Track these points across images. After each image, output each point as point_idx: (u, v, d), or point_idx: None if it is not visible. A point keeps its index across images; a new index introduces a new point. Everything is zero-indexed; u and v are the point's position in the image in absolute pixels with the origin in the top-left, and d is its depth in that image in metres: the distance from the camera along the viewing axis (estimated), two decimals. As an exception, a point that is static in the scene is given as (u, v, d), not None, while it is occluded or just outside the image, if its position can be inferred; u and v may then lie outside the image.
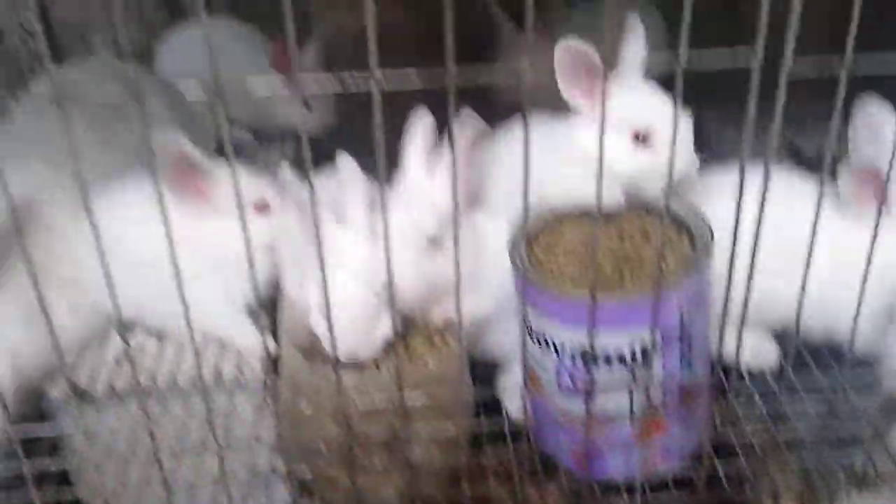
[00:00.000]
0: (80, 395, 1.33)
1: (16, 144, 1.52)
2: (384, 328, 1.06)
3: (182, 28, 2.11)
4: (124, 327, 1.41)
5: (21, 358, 1.24)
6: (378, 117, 0.76)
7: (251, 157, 1.98)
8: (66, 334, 1.35)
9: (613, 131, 1.07)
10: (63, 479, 1.31)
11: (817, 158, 1.43)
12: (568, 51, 1.12)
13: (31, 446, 1.20)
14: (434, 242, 1.11)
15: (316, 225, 0.84)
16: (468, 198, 1.21)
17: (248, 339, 1.30)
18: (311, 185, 0.82)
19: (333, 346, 0.93)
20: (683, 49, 0.77)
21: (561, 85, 1.16)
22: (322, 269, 0.86)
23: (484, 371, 1.28)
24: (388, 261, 0.88)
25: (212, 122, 1.80)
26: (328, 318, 0.90)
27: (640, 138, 1.17)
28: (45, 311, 0.92)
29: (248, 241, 0.86)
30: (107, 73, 1.72)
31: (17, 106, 1.75)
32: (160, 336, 1.39)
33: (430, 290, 1.11)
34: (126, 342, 1.31)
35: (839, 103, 0.83)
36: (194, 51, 1.68)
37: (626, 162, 1.18)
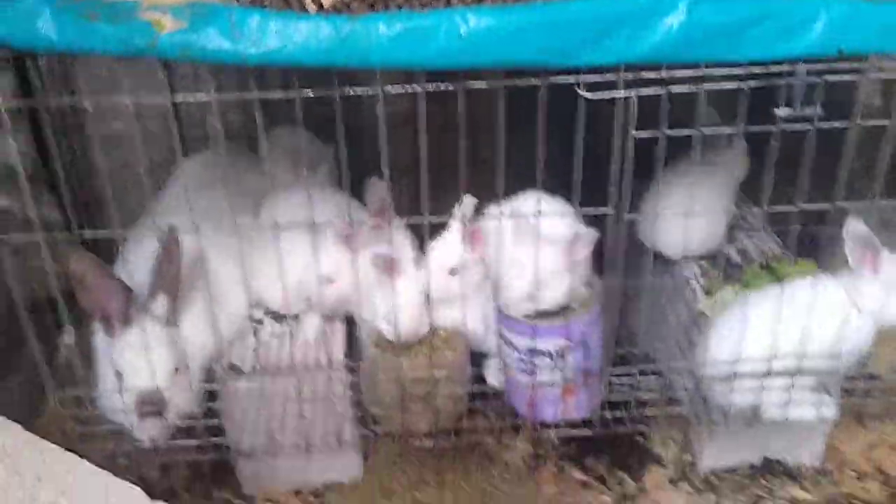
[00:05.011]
0: (234, 369, 2.17)
1: (182, 211, 2.25)
2: (424, 327, 1.92)
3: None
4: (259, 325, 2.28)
5: (206, 349, 2.06)
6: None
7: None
8: (224, 333, 2.21)
9: None
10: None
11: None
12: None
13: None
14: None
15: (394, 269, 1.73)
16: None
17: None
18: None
19: (396, 335, 1.81)
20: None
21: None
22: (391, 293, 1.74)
23: (477, 358, 2.15)
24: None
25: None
26: (391, 321, 1.78)
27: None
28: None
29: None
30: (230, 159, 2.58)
31: (172, 184, 2.57)
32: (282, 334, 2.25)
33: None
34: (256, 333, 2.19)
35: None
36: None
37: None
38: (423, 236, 1.66)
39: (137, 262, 2.03)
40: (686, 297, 2.33)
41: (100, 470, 1.75)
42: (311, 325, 2.22)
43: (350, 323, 2.29)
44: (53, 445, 1.73)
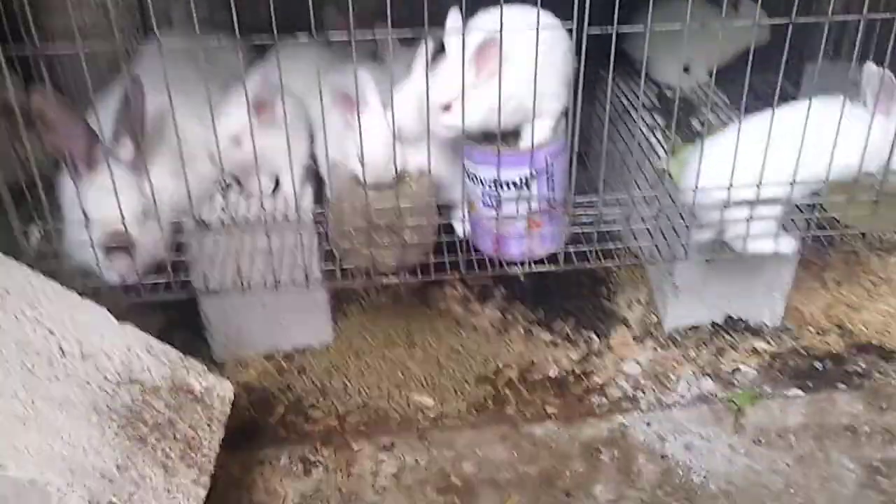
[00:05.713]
0: (201, 223, 2.18)
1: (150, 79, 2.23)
2: (391, 167, 1.94)
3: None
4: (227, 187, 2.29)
5: (173, 199, 2.06)
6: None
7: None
8: (193, 190, 2.22)
9: None
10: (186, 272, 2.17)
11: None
12: None
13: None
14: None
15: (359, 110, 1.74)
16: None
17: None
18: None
19: (365, 176, 1.83)
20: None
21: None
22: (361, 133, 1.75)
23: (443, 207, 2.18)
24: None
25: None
26: (362, 162, 1.80)
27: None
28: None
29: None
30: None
31: (139, 57, 2.57)
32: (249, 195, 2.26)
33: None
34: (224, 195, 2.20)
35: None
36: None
37: None
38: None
39: (107, 116, 2.03)
40: (649, 158, 2.37)
41: (66, 290, 1.76)
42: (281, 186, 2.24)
43: (319, 182, 2.30)
44: (21, 264, 1.74)
